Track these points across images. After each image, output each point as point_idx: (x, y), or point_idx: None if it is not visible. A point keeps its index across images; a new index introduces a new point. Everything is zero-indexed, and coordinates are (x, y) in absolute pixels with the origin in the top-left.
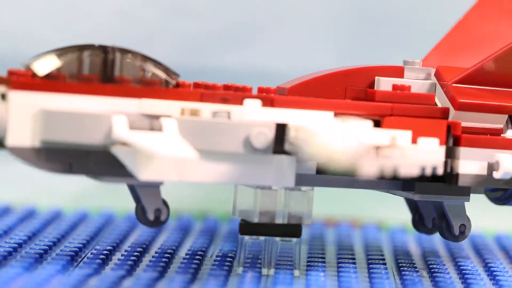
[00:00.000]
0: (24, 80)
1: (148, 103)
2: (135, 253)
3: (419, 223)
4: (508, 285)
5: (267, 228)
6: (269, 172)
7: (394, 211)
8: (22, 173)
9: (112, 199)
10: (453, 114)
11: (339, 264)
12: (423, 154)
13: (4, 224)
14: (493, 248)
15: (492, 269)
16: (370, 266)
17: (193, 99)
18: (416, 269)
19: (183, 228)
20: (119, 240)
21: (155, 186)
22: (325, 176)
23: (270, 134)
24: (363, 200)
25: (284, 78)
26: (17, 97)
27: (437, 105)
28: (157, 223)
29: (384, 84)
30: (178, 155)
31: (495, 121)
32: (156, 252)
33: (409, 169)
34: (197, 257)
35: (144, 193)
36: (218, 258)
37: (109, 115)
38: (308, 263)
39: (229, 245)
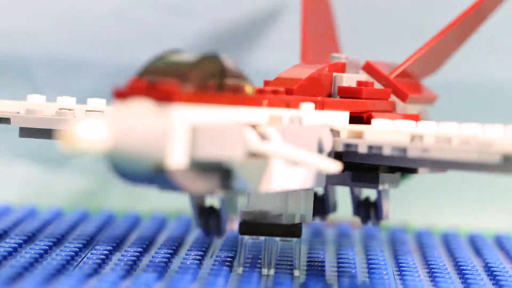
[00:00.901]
0: (186, 93)
1: (255, 112)
2: (135, 253)
3: (320, 209)
4: (508, 285)
5: (267, 228)
6: (323, 174)
7: (394, 211)
8: (22, 173)
9: (112, 199)
10: (400, 107)
11: (339, 264)
12: None
13: (4, 224)
14: (493, 248)
15: (492, 269)
16: (370, 266)
17: (261, 104)
18: (416, 269)
19: (183, 228)
20: (119, 240)
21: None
22: None
23: (331, 136)
24: None
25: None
26: (177, 112)
27: None
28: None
29: (347, 80)
30: (327, 166)
31: (416, 111)
32: (156, 252)
33: None
34: (197, 257)
35: (229, 205)
36: (218, 258)
37: (245, 127)
38: (308, 263)
39: (229, 245)
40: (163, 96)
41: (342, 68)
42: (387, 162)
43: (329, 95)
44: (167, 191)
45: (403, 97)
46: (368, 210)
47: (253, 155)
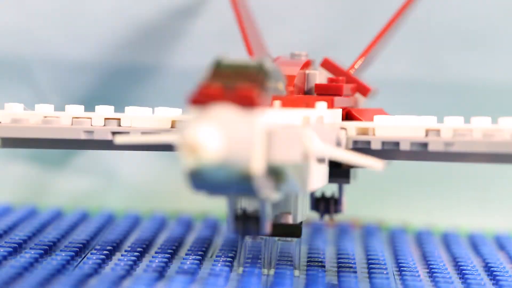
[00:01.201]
0: (262, 97)
1: (294, 113)
2: (135, 253)
3: None
4: (508, 285)
5: None
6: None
7: (394, 211)
8: (22, 173)
9: (112, 199)
10: (363, 101)
11: (339, 264)
12: None
13: (4, 224)
14: (493, 248)
15: (492, 269)
16: (370, 266)
17: (296, 105)
18: (416, 269)
19: (183, 228)
20: (119, 240)
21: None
22: None
23: (345, 134)
24: (363, 200)
25: None
26: (259, 117)
27: None
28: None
29: (320, 77)
30: (372, 164)
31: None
32: (156, 252)
33: None
34: (197, 257)
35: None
36: (218, 258)
37: (303, 130)
38: (308, 263)
39: (229, 245)
40: (245, 101)
41: (308, 65)
42: (402, 158)
43: (304, 93)
44: (242, 197)
45: (364, 92)
46: (327, 205)
47: (305, 156)
